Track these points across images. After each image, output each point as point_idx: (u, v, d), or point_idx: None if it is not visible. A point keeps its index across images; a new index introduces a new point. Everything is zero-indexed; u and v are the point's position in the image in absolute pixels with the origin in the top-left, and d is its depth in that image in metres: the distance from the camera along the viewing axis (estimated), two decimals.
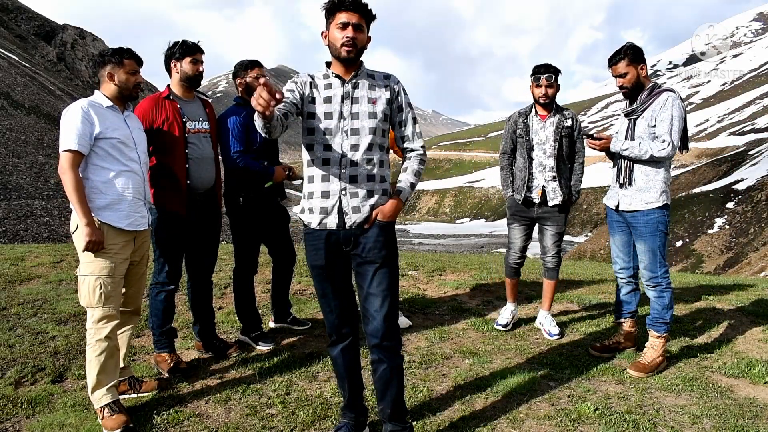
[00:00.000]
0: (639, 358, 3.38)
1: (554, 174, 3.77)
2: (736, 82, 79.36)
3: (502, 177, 4.02)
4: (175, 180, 3.17)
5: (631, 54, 3.22)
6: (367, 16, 2.28)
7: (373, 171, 2.33)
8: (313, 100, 2.33)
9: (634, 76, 3.24)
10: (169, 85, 3.30)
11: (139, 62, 2.85)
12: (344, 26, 2.23)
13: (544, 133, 3.78)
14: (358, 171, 2.30)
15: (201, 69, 3.28)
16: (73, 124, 2.60)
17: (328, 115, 2.30)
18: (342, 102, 2.31)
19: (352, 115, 2.30)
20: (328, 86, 2.34)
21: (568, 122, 3.77)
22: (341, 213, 2.30)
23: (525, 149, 3.82)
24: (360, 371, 2.56)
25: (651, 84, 3.29)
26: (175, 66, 3.25)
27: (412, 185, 2.42)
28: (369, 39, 2.33)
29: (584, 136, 3.40)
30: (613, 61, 3.27)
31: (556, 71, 3.72)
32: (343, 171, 2.29)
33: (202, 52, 3.27)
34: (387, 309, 2.31)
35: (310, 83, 2.36)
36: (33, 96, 34.49)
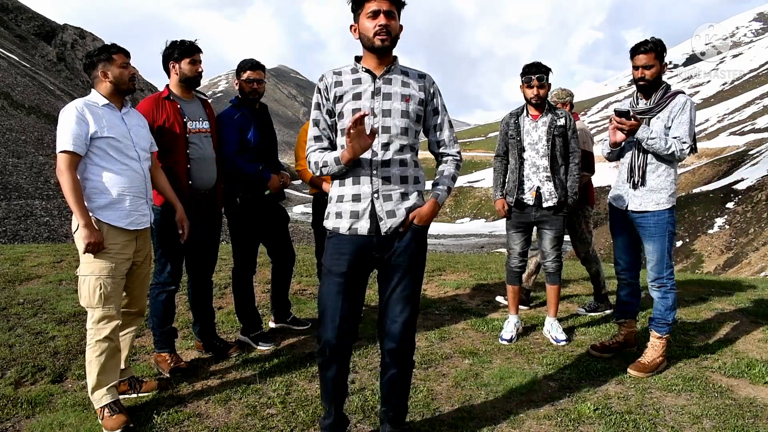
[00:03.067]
0: (639, 358, 3.38)
1: (548, 174, 3.72)
2: (736, 82, 79.33)
3: (494, 179, 4.01)
4: (176, 180, 3.17)
5: (660, 49, 3.19)
6: (398, 3, 2.16)
7: (406, 172, 2.20)
8: (341, 98, 2.20)
9: (658, 70, 3.20)
10: (168, 86, 3.29)
11: (127, 55, 2.81)
12: (375, 14, 2.12)
13: (536, 132, 3.74)
14: (391, 172, 2.17)
15: (200, 69, 3.27)
16: (68, 125, 2.59)
17: (357, 112, 2.11)
18: (372, 98, 2.17)
19: (383, 112, 2.17)
20: (357, 81, 2.20)
21: (561, 121, 3.72)
22: (374, 217, 2.17)
23: (516, 150, 3.79)
24: (347, 382, 2.42)
25: (665, 85, 3.28)
26: (173, 67, 3.24)
27: (449, 189, 2.31)
28: (401, 27, 2.22)
29: (614, 112, 3.23)
30: (641, 50, 3.18)
31: (546, 71, 3.68)
32: (375, 172, 2.16)
33: (200, 51, 3.26)
34: (408, 314, 2.24)
35: (335, 82, 2.21)
36: (33, 96, 34.47)
